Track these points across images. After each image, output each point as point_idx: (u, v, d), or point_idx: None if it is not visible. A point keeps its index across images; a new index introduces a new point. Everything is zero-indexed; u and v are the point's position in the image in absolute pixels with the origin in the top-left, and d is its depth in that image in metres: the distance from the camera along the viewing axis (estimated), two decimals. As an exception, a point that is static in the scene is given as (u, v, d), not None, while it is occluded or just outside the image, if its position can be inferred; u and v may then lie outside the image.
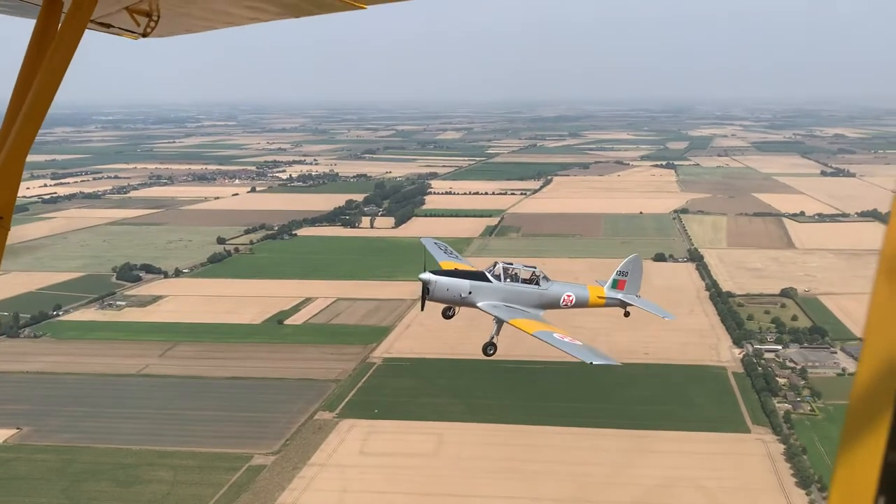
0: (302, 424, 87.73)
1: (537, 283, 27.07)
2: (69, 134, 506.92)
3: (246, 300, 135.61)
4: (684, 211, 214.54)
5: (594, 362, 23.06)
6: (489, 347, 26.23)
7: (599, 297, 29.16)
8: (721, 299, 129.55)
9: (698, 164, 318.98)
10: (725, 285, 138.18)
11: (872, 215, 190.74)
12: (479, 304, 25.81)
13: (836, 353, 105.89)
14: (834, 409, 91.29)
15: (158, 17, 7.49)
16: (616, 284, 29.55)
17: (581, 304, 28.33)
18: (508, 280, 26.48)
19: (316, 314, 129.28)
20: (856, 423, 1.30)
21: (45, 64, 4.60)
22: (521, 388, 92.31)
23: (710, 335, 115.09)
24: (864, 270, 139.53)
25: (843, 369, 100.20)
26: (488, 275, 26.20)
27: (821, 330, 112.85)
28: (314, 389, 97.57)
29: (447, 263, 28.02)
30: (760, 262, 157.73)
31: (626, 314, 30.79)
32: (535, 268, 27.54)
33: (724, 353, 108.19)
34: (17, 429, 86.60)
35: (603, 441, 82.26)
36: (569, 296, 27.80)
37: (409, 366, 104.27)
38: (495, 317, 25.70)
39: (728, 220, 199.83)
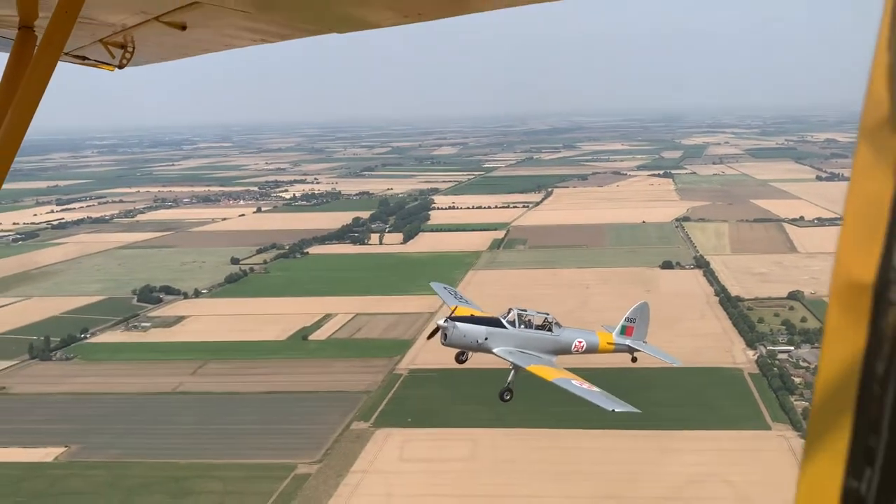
0: (340, 434, 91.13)
1: (550, 329, 27.81)
2: (66, 159, 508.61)
3: (268, 318, 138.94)
4: (686, 219, 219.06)
5: (615, 410, 23.68)
6: (506, 393, 26.95)
7: (609, 343, 30.03)
8: (731, 304, 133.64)
9: (695, 173, 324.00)
10: (734, 290, 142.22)
11: None
12: (494, 350, 26.34)
13: None
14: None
15: (133, 48, 7.54)
16: (624, 331, 30.49)
17: (591, 349, 29.18)
18: (522, 326, 27.13)
19: (338, 329, 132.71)
20: (819, 425, 1.30)
21: (17, 98, 4.54)
22: (548, 395, 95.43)
23: (724, 339, 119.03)
24: None
25: None
26: (503, 321, 26.82)
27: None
28: (346, 401, 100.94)
29: (461, 309, 28.31)
30: (765, 266, 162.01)
31: (634, 359, 31.80)
32: (548, 314, 28.33)
33: (739, 356, 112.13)
34: (66, 446, 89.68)
35: (630, 442, 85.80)
36: (580, 342, 28.58)
37: (436, 376, 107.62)
38: (511, 363, 26.22)
39: (730, 227, 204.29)
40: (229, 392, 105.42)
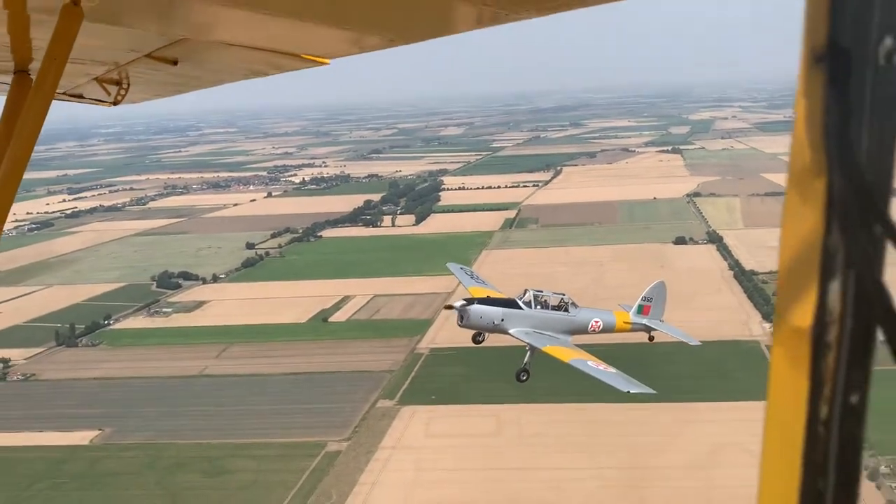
0: (367, 412, 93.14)
1: (566, 310, 27.90)
2: (73, 148, 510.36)
3: (287, 301, 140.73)
4: (697, 194, 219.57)
5: (630, 391, 24.06)
6: (522, 374, 27.26)
7: (625, 323, 30.22)
8: (745, 278, 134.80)
9: (703, 148, 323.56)
10: (748, 264, 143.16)
11: None
12: (511, 331, 26.50)
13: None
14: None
15: (129, 84, 7.61)
16: (641, 310, 30.65)
17: (608, 329, 29.20)
18: (539, 307, 27.17)
19: (357, 311, 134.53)
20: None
21: (14, 140, 4.62)
22: (570, 371, 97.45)
23: (740, 312, 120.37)
24: None
25: None
26: (519, 302, 26.91)
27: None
28: (370, 380, 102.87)
29: (476, 290, 28.91)
30: (778, 240, 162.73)
31: (651, 339, 32.10)
32: (563, 294, 28.44)
33: (756, 328, 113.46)
34: (100, 430, 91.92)
35: (652, 415, 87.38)
36: (596, 322, 28.63)
37: (457, 354, 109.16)
38: (528, 344, 26.54)
39: (741, 202, 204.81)
40: (254, 374, 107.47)
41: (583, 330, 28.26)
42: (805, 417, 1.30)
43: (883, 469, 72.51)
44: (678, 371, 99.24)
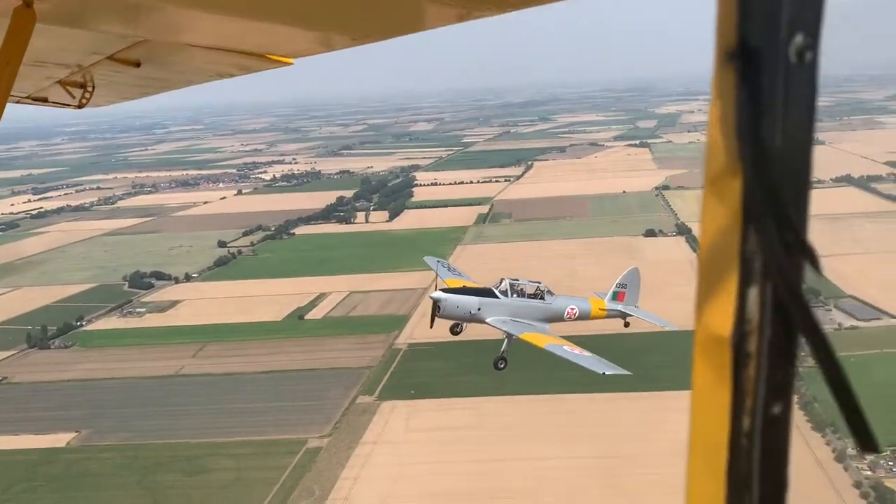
0: (346, 408, 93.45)
1: (542, 298, 28.27)
2: (36, 147, 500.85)
3: (261, 299, 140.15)
4: (665, 187, 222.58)
5: (606, 372, 24.49)
6: (500, 361, 27.59)
7: (601, 309, 30.77)
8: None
9: (671, 141, 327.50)
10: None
11: (846, 180, 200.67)
12: (487, 320, 26.88)
13: (830, 310, 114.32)
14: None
15: (93, 87, 7.45)
16: (616, 296, 31.19)
17: (584, 316, 29.74)
18: (515, 295, 27.52)
19: (333, 308, 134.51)
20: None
21: None
22: (547, 363, 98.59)
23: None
24: (847, 233, 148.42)
25: (840, 324, 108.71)
26: (496, 291, 27.31)
27: (814, 290, 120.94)
28: (349, 377, 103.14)
29: (453, 281, 29.20)
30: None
31: (626, 324, 33.12)
32: (539, 283, 28.86)
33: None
34: (76, 432, 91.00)
35: (631, 404, 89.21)
36: (572, 309, 29.10)
37: (435, 350, 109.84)
38: (505, 332, 26.86)
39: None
40: (232, 373, 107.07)
41: (559, 317, 28.69)
42: (728, 429, 1.26)
43: (850, 451, 74.73)
44: (652, 360, 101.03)
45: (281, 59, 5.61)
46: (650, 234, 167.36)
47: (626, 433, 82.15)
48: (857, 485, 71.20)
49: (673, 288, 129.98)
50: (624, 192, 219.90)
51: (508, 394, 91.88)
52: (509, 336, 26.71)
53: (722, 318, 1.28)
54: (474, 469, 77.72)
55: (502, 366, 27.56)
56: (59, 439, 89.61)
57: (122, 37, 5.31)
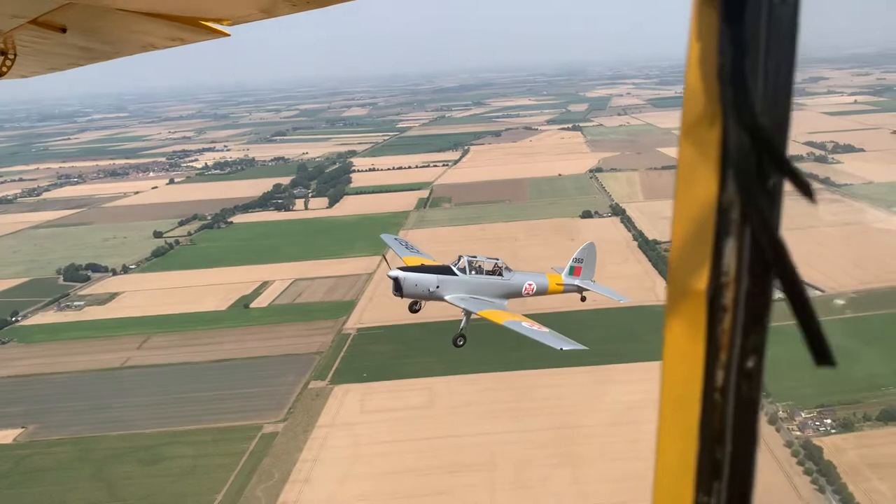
0: (300, 393, 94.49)
1: (500, 274, 28.33)
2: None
3: (204, 289, 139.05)
4: (598, 170, 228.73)
5: (563, 348, 24.57)
6: (459, 339, 27.61)
7: (558, 284, 31.10)
8: (649, 247, 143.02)
9: (602, 125, 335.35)
10: (650, 234, 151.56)
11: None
12: (446, 298, 26.82)
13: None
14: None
15: (15, 55, 6.98)
16: (573, 271, 31.76)
17: (541, 291, 30.08)
18: (473, 272, 27.55)
19: (278, 296, 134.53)
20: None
21: None
22: (494, 342, 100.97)
23: (646, 279, 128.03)
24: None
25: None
26: (454, 268, 27.28)
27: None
28: (300, 363, 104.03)
29: (411, 259, 29.10)
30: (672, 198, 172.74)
31: (583, 298, 33.15)
32: (497, 259, 28.88)
33: (661, 294, 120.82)
34: (23, 427, 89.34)
35: (574, 378, 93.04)
36: (530, 284, 29.30)
37: (384, 333, 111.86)
38: (463, 309, 26.73)
39: (640, 175, 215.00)
40: (180, 363, 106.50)
41: (517, 293, 28.89)
42: (701, 385, 1.27)
43: (781, 414, 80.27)
44: (596, 336, 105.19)
45: (216, 29, 5.38)
46: (587, 215, 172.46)
47: (571, 406, 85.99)
48: (789, 444, 76.58)
49: (611, 267, 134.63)
50: (560, 175, 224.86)
51: (461, 373, 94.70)
52: (468, 313, 26.69)
53: (697, 271, 1.24)
54: (430, 446, 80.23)
55: (461, 343, 27.56)
56: (6, 436, 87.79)
57: None
